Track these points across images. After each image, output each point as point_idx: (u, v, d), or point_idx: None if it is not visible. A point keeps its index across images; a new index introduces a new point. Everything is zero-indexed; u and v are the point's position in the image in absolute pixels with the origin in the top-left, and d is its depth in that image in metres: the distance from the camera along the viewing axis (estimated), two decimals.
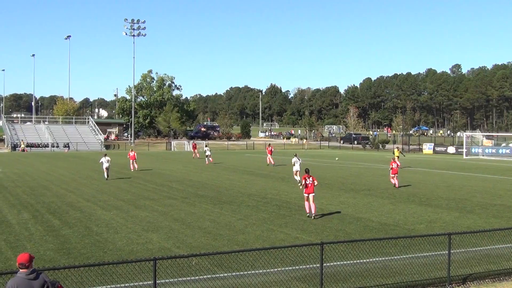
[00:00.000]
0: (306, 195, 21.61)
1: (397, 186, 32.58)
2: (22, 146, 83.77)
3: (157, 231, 18.58)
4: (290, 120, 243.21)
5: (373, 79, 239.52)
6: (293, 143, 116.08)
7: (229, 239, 17.27)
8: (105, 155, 38.64)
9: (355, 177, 39.40)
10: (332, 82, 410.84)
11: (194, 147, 68.25)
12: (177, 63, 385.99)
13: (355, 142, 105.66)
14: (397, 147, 56.51)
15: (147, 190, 31.01)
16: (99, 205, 24.79)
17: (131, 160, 44.87)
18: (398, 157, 46.41)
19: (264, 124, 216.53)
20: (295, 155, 36.28)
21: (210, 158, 54.48)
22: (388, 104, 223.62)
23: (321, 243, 11.31)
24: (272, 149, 52.52)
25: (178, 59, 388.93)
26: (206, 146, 60.20)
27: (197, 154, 64.98)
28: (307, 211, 21.78)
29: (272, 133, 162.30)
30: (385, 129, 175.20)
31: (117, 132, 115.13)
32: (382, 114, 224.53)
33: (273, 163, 50.47)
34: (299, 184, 23.37)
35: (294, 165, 35.32)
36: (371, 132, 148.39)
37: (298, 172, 34.58)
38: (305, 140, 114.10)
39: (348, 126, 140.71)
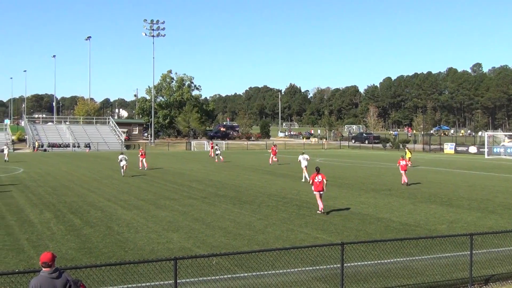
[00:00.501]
0: (316, 193, 22.67)
1: (406, 181, 33.95)
2: (37, 145, 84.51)
3: (178, 230, 18.64)
4: (310, 120, 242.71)
5: (393, 78, 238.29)
6: (312, 143, 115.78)
7: (249, 239, 17.28)
8: (122, 153, 42.46)
9: (375, 177, 39.21)
10: (352, 81, 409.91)
11: (212, 146, 70.26)
12: (196, 63, 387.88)
13: (366, 141, 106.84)
14: (407, 147, 60.84)
15: (167, 190, 31.14)
16: (120, 204, 24.94)
17: (141, 159, 46.26)
18: (409, 158, 48.47)
19: (284, 124, 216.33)
20: (302, 153, 38.34)
21: (220, 157, 57.77)
22: (408, 104, 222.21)
23: (341, 243, 11.26)
24: (277, 150, 54.47)
25: (197, 59, 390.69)
26: (216, 145, 64.32)
27: (212, 153, 67.22)
28: (320, 209, 22.62)
29: (292, 133, 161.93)
30: (406, 128, 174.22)
31: (128, 132, 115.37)
32: (402, 113, 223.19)
33: (276, 160, 52.64)
34: (308, 181, 24.35)
35: (300, 162, 37.30)
36: (391, 132, 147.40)
37: (306, 168, 36.65)
38: (324, 140, 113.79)
39: (368, 126, 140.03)
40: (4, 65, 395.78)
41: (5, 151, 60.69)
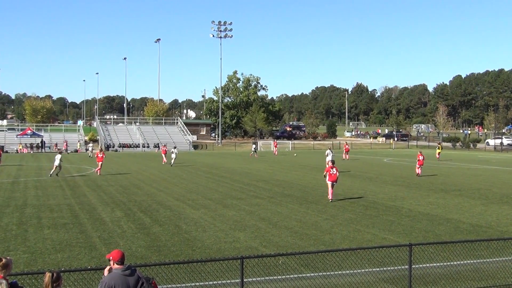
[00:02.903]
0: (329, 182, 25.60)
1: (419, 174, 38.36)
2: (90, 146, 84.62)
3: (244, 230, 18.79)
4: (377, 119, 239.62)
5: (463, 76, 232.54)
6: (380, 142, 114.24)
7: (315, 239, 17.24)
8: (175, 147, 51.53)
9: (444, 177, 38.38)
10: (420, 80, 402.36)
11: (276, 145, 78.59)
12: (263, 63, 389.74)
13: (396, 139, 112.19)
14: (439, 144, 69.07)
15: (234, 189, 31.40)
16: (188, 204, 25.32)
17: (163, 154, 53.56)
18: (439, 152, 58.77)
19: (350, 124, 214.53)
20: (329, 149, 44.06)
21: (255, 154, 67.05)
22: (479, 102, 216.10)
23: (409, 244, 11.11)
24: (349, 148, 62.49)
25: (264, 59, 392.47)
26: (253, 143, 75.98)
27: (276, 152, 76.49)
28: (329, 197, 25.75)
29: (359, 132, 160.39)
30: (476, 127, 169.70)
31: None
32: (473, 112, 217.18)
33: (347, 158, 59.89)
34: (324, 174, 26.98)
35: (327, 156, 42.20)
36: (461, 131, 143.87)
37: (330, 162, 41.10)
38: (392, 140, 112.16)
39: (437, 125, 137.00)
40: (77, 68, 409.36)
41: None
